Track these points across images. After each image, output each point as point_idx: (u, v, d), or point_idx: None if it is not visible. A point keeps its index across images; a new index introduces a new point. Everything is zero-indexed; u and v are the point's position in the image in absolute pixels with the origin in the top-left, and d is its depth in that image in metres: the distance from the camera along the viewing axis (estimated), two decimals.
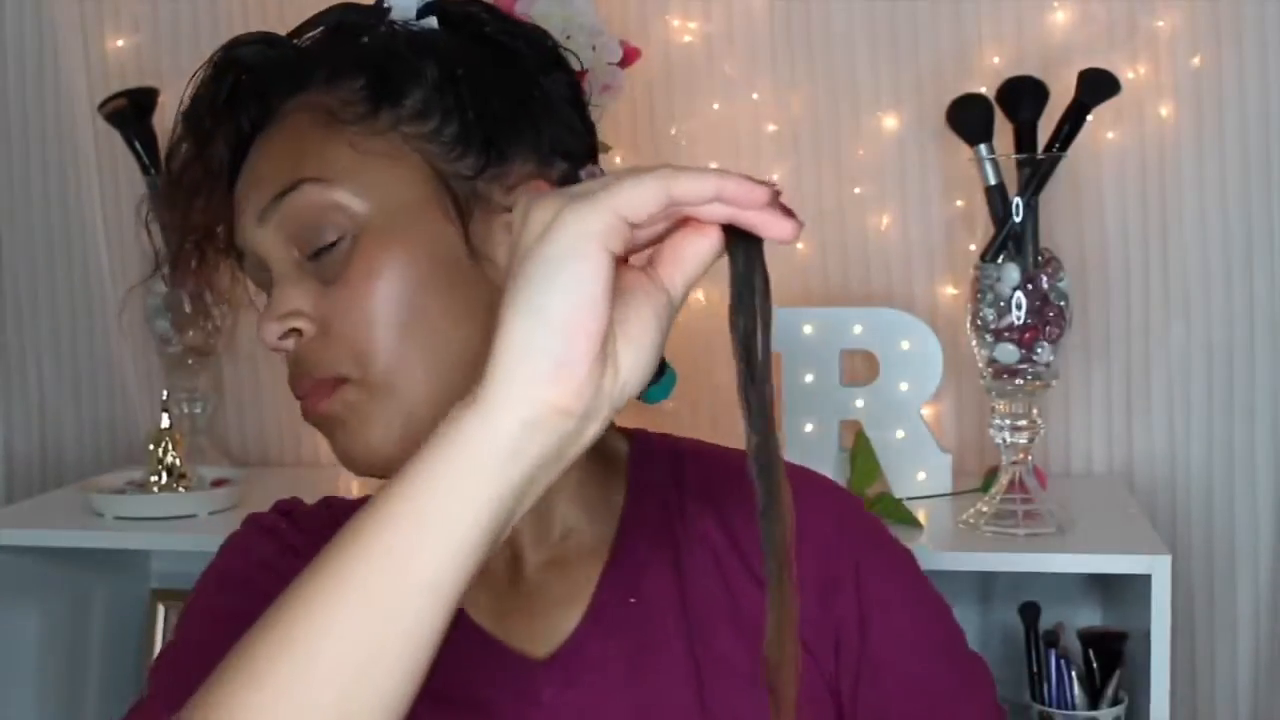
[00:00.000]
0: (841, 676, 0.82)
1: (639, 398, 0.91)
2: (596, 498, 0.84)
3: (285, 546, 0.86)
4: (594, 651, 0.81)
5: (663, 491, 0.86)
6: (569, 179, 0.80)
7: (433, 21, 0.81)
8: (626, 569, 0.82)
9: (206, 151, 0.81)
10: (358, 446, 0.77)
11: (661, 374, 0.88)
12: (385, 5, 0.82)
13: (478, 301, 0.76)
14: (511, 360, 0.54)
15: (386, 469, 0.75)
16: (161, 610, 1.74)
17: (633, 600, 0.81)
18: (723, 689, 0.80)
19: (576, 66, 0.87)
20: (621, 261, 0.56)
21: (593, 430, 0.57)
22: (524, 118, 0.79)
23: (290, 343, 0.77)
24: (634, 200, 0.54)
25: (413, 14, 0.81)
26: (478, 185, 0.77)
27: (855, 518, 0.87)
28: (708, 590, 0.82)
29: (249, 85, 0.81)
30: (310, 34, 0.83)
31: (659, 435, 0.90)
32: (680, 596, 0.82)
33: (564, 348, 0.53)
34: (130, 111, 1.67)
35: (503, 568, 0.83)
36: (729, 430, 1.67)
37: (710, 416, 1.65)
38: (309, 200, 0.76)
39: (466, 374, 0.72)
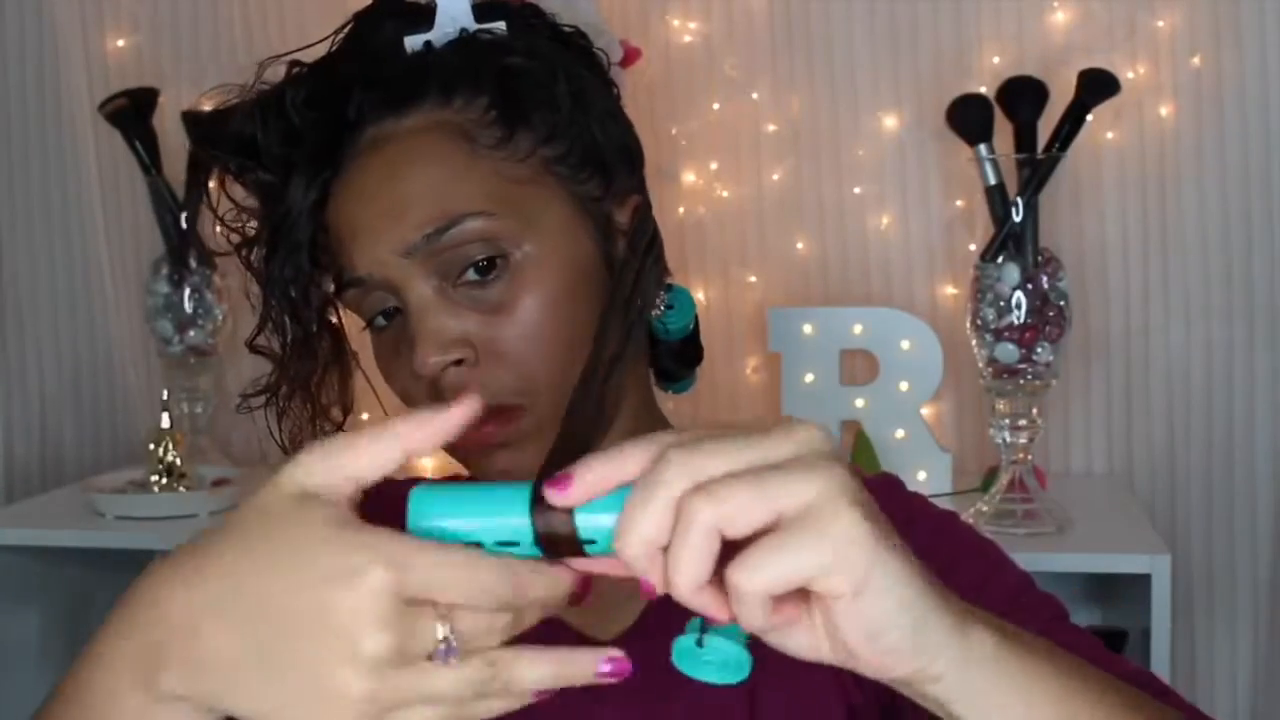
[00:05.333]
0: None
1: (664, 388, 0.91)
2: None
3: None
4: (656, 636, 0.81)
5: None
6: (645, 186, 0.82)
7: (501, 25, 0.79)
8: None
9: (310, 188, 0.77)
10: (525, 467, 0.75)
11: (696, 362, 0.89)
12: (427, 6, 0.79)
13: (596, 319, 0.76)
14: None
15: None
16: None
17: None
18: (770, 675, 0.81)
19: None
20: None
21: None
22: (615, 127, 0.80)
23: (450, 372, 0.75)
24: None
25: (468, 19, 0.78)
26: (604, 207, 0.79)
27: (886, 498, 0.87)
28: None
29: (324, 107, 0.77)
30: (359, 41, 0.79)
31: None
32: None
33: None
34: (130, 111, 1.67)
35: None
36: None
37: (712, 412, 1.65)
38: (471, 233, 0.74)
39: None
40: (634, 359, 0.82)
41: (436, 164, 0.75)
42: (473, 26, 0.79)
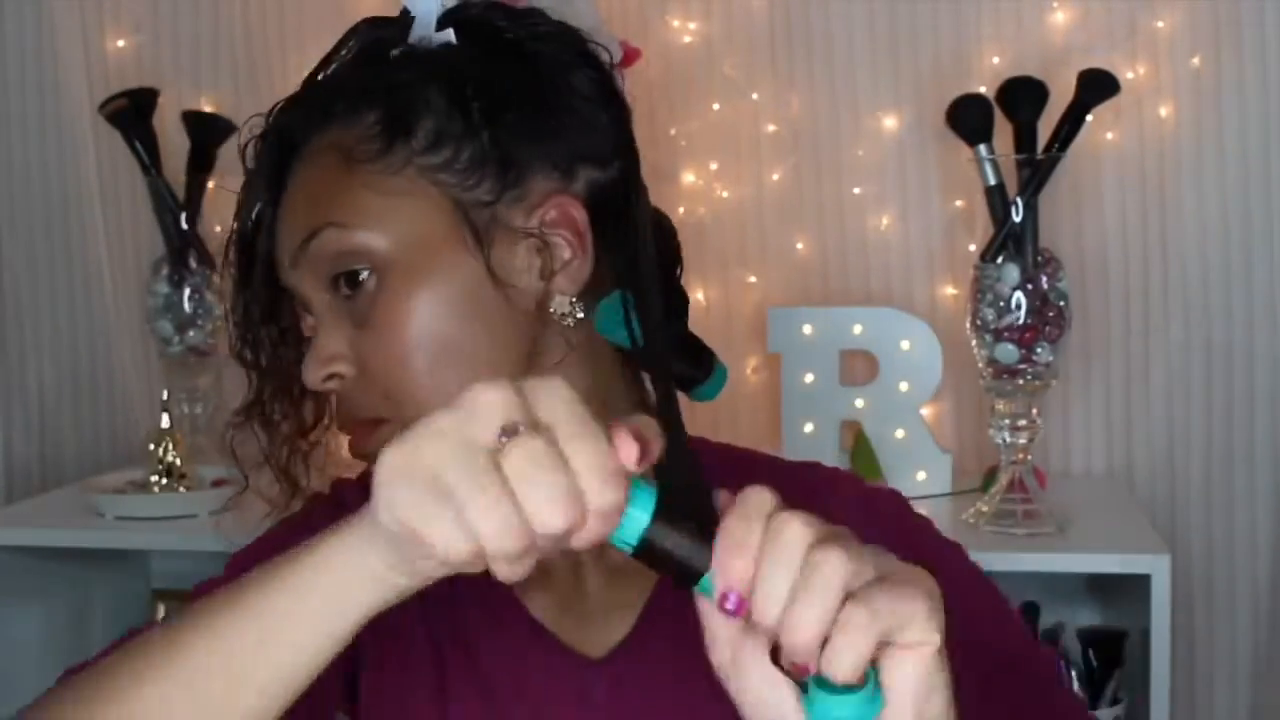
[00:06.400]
0: None
1: (690, 396, 0.89)
2: None
3: None
4: (645, 654, 0.82)
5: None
6: (598, 187, 0.80)
7: (449, 34, 0.80)
8: None
9: (264, 204, 0.82)
10: None
11: (711, 372, 0.88)
12: (409, 15, 0.81)
13: (504, 330, 0.77)
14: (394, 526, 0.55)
15: None
16: (161, 610, 1.74)
17: (688, 601, 0.83)
18: None
19: (605, 59, 0.84)
20: None
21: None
22: (542, 128, 0.79)
23: (334, 384, 0.78)
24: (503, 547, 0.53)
25: (433, 26, 0.80)
26: (498, 210, 0.77)
27: (891, 515, 0.86)
28: None
29: (286, 129, 0.81)
30: (341, 56, 0.82)
31: (719, 445, 0.90)
32: None
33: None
34: (130, 112, 1.67)
35: (565, 573, 0.84)
36: (730, 425, 1.67)
37: (711, 412, 1.65)
38: (332, 245, 0.76)
39: None
40: (585, 363, 0.80)
41: (314, 179, 0.78)
42: (434, 39, 0.80)
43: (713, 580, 0.57)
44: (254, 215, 0.81)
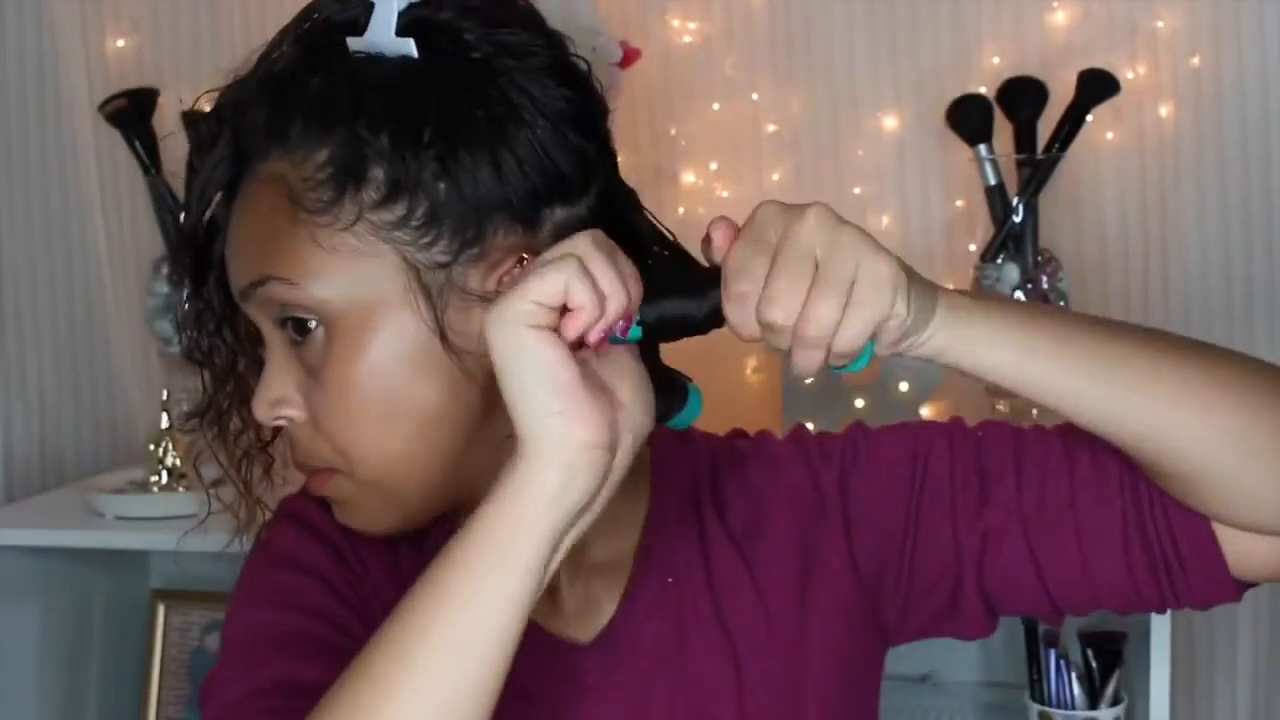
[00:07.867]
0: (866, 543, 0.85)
1: (669, 424, 0.86)
2: (629, 484, 0.75)
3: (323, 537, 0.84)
4: (635, 633, 0.82)
5: (685, 477, 0.87)
6: (567, 228, 0.74)
7: (410, 46, 0.73)
8: (659, 553, 0.84)
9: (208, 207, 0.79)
10: (356, 525, 0.79)
11: (685, 400, 0.84)
12: (370, 3, 0.74)
13: (457, 394, 0.74)
14: (534, 438, 0.63)
15: (388, 538, 0.80)
16: (161, 610, 1.74)
17: (670, 580, 0.83)
18: (754, 658, 0.82)
19: (583, 69, 0.79)
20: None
21: (621, 459, 0.65)
22: (504, 169, 0.73)
23: (284, 423, 0.76)
24: (542, 290, 0.62)
25: (392, 29, 0.73)
26: (453, 272, 0.72)
27: (817, 449, 0.89)
28: (729, 565, 0.84)
29: (238, 134, 0.76)
30: (295, 42, 0.76)
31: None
32: (706, 574, 0.84)
33: (559, 405, 0.62)
34: (130, 112, 1.67)
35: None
36: (730, 425, 1.67)
37: (711, 412, 1.65)
38: (277, 296, 0.73)
39: (451, 458, 0.75)
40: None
41: (260, 215, 0.74)
42: (392, 50, 0.74)
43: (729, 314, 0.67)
44: (206, 218, 0.77)
